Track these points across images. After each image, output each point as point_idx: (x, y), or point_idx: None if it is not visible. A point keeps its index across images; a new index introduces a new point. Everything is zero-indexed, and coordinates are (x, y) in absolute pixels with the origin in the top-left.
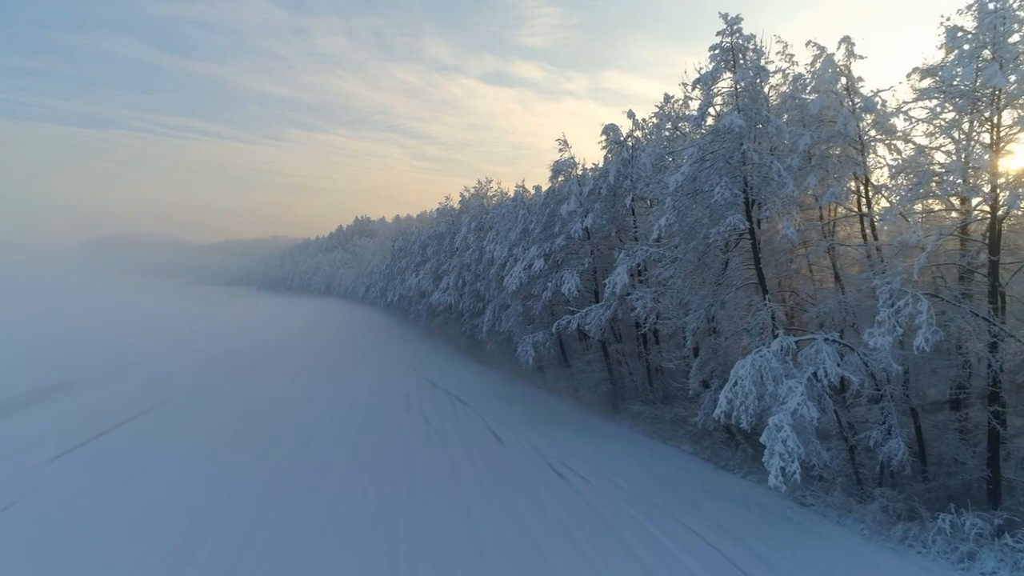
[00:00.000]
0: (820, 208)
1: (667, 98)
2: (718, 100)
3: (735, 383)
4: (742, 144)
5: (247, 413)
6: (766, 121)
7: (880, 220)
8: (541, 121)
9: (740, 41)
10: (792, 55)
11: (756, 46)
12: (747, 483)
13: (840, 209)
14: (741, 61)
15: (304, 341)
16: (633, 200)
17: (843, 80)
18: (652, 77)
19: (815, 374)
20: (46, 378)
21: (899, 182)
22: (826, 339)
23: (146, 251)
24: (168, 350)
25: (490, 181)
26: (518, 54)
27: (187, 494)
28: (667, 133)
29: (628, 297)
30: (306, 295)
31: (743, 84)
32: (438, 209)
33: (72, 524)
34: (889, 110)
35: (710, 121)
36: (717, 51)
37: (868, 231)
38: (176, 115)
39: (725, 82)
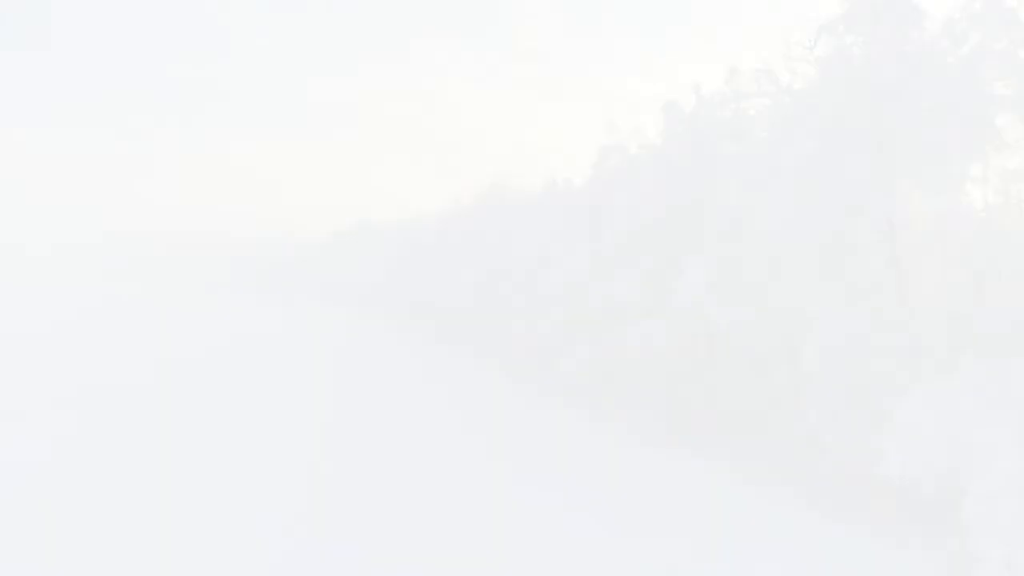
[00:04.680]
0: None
1: (732, 72)
2: (854, 50)
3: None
4: (885, 107)
5: None
6: (916, 78)
7: None
8: (539, 121)
9: None
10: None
11: None
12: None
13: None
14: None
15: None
16: (702, 189)
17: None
18: (650, 79)
19: None
20: None
21: None
22: None
23: None
24: None
25: (509, 177)
26: (516, 55)
27: None
28: (728, 113)
29: (702, 303)
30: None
31: (884, 31)
32: (450, 207)
33: None
34: None
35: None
36: None
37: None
38: None
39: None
